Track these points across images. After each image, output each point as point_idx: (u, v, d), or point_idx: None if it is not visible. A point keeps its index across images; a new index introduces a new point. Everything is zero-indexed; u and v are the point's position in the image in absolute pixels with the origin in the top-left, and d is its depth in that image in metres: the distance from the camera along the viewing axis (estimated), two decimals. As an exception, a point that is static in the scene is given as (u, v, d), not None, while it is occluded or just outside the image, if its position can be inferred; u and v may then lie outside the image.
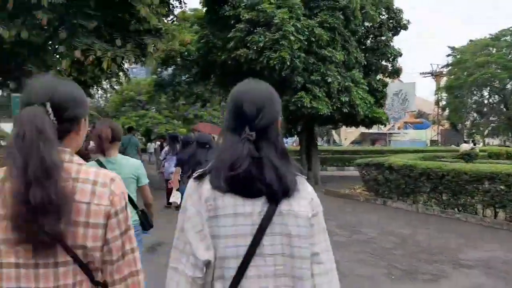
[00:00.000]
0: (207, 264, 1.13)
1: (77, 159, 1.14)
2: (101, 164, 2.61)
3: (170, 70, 27.86)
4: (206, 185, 1.16)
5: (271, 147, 1.17)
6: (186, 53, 26.17)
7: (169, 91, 27.57)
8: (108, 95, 45.06)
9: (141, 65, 15.78)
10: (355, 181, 12.38)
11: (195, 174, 1.22)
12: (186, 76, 28.03)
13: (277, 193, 1.13)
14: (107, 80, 18.17)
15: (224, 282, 1.12)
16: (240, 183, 1.13)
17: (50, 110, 1.06)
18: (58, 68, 16.10)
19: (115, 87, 20.00)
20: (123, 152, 9.59)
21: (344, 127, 20.07)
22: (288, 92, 11.24)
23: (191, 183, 1.21)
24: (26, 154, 0.98)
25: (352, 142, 44.06)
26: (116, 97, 39.69)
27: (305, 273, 1.15)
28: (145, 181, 2.88)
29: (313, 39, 11.16)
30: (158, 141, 20.02)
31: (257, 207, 1.14)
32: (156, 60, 10.65)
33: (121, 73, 14.95)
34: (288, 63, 10.38)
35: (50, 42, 10.50)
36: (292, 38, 10.38)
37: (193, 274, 1.12)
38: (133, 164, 2.83)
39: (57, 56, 10.21)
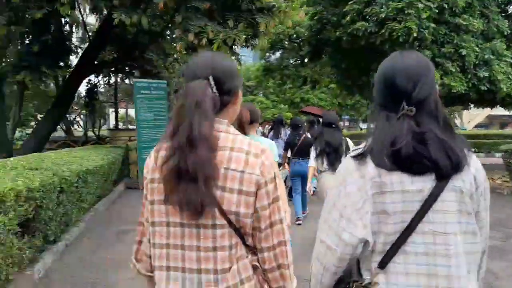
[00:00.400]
0: (365, 242, 1.10)
1: (232, 130, 1.19)
2: None
3: (278, 54, 27.61)
4: (369, 163, 1.11)
5: (432, 119, 1.09)
6: (294, 35, 25.59)
7: (276, 75, 27.37)
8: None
9: (250, 49, 15.65)
10: (490, 170, 10.49)
11: (352, 153, 1.17)
12: (293, 59, 27.50)
13: (445, 169, 1.06)
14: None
15: (381, 255, 1.11)
16: (405, 161, 1.06)
17: (212, 83, 1.12)
18: (175, 56, 16.86)
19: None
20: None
21: (468, 108, 17.39)
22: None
23: (350, 161, 1.16)
24: (179, 124, 1.07)
25: (476, 126, 38.90)
26: (226, 83, 41.15)
27: (475, 248, 1.13)
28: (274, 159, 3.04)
29: (446, 6, 9.47)
30: (267, 125, 19.89)
31: (427, 183, 1.08)
32: (267, 40, 10.12)
33: (233, 57, 14.96)
34: (415, 35, 8.95)
35: (167, 31, 10.81)
36: (420, 6, 8.90)
37: (342, 250, 1.11)
38: (266, 143, 3.01)
39: (173, 44, 10.46)
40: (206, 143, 1.04)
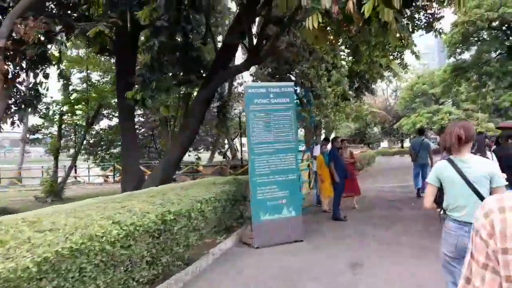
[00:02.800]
0: None
1: None
2: (452, 163, 2.53)
3: (473, 49, 20.68)
4: None
5: None
6: (498, 21, 18.45)
7: (471, 75, 20.42)
8: (398, 92, 40.70)
9: (434, 35, 10.72)
10: None
11: None
12: (497, 51, 20.04)
13: None
14: (388, 66, 13.93)
15: None
16: None
17: None
18: (332, 62, 13.09)
19: (401, 70, 15.34)
20: (416, 155, 5.33)
21: None
22: None
23: None
24: None
25: None
26: (406, 93, 34.73)
27: None
28: (500, 182, 2.40)
29: None
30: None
31: None
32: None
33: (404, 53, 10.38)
34: None
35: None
36: None
37: None
38: (485, 164, 2.50)
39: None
40: None
